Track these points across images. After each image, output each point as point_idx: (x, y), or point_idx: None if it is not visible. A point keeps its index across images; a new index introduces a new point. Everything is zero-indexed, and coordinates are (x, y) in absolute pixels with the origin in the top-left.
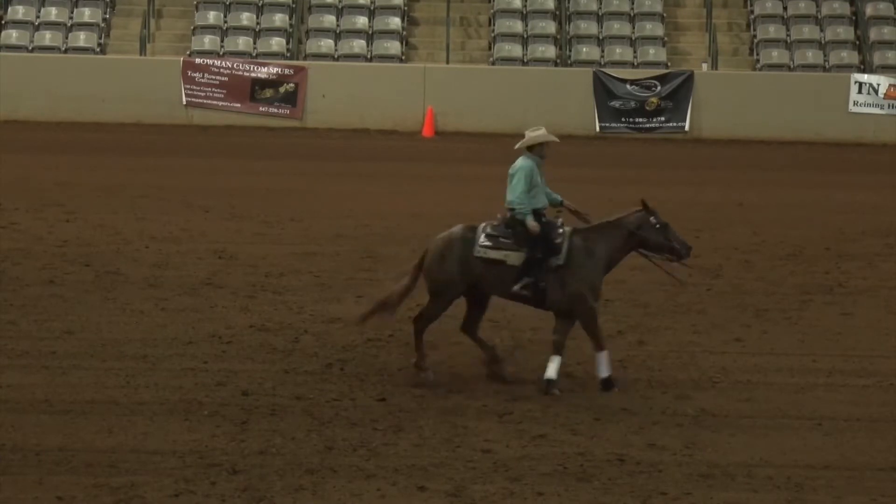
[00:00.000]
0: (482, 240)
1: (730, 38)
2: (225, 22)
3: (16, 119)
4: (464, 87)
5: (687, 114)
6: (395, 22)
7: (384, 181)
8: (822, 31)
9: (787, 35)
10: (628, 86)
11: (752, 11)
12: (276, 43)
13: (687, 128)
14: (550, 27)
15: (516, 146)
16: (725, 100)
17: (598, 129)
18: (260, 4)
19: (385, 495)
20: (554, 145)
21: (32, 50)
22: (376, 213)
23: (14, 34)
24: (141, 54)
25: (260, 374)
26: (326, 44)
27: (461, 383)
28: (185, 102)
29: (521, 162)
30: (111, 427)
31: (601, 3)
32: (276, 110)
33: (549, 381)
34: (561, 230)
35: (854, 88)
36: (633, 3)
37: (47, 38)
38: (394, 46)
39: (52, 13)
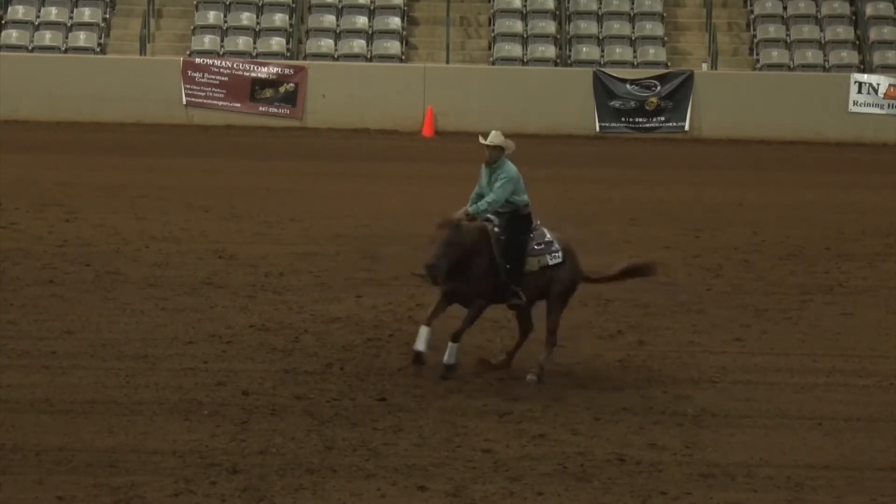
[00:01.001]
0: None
1: (730, 37)
2: (225, 22)
3: (16, 119)
4: (464, 87)
5: (687, 114)
6: (395, 22)
7: (384, 181)
8: (822, 30)
9: (787, 35)
10: (628, 86)
11: (752, 11)
12: (276, 43)
13: (687, 128)
14: (550, 27)
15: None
16: (725, 100)
17: (598, 128)
18: (260, 4)
19: (385, 495)
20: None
21: (32, 50)
22: (376, 213)
23: (14, 34)
24: (141, 54)
25: (260, 374)
26: (326, 44)
27: (461, 383)
28: (185, 102)
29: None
30: (111, 427)
31: (601, 3)
32: (276, 110)
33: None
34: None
35: (854, 88)
36: (633, 3)
37: (47, 38)
38: (394, 46)
39: (52, 13)
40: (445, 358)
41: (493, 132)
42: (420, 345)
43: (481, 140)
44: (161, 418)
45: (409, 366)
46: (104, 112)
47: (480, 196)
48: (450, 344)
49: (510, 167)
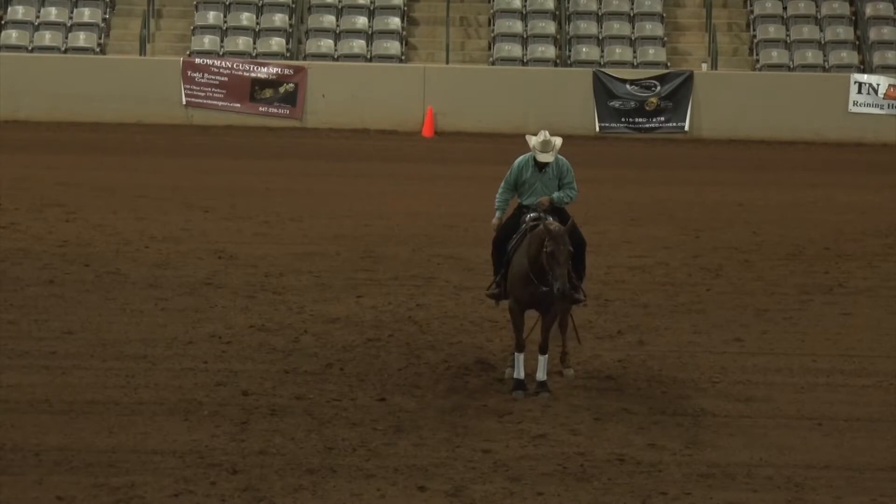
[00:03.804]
0: None
1: (730, 38)
2: (225, 22)
3: (16, 119)
4: (464, 87)
5: (687, 114)
6: (394, 22)
7: (384, 181)
8: (821, 31)
9: (787, 35)
10: (628, 86)
11: (752, 11)
12: (276, 43)
13: (687, 128)
14: (550, 27)
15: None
16: (725, 100)
17: (597, 129)
18: (260, 4)
19: (385, 495)
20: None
21: (32, 50)
22: (376, 213)
23: (14, 34)
24: (141, 54)
25: (260, 374)
26: (326, 44)
27: (461, 383)
28: (184, 102)
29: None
30: (111, 427)
31: (601, 3)
32: (275, 110)
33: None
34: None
35: (854, 88)
36: (633, 3)
37: (47, 38)
38: (394, 46)
39: (52, 13)
40: (539, 374)
41: (542, 136)
42: (520, 372)
43: (550, 152)
44: (161, 418)
45: (407, 367)
46: (104, 112)
47: (508, 197)
48: (541, 357)
49: (564, 160)
